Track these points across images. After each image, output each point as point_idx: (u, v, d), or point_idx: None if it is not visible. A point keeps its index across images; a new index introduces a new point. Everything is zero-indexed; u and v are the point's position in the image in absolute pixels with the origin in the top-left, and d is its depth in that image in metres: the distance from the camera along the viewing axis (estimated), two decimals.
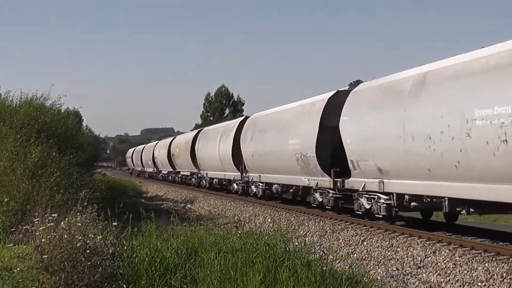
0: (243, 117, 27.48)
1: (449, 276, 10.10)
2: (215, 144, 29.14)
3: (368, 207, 14.60)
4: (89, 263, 7.30)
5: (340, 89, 17.11)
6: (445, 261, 10.72)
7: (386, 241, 13.00)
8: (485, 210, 11.92)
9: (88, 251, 7.40)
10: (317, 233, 15.67)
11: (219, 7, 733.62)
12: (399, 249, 12.21)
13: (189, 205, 27.86)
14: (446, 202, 11.58)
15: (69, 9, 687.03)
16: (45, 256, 7.23)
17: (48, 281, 7.21)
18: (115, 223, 8.79)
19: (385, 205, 13.75)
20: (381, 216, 14.06)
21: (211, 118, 74.88)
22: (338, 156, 15.92)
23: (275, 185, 21.63)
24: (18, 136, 16.61)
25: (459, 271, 10.09)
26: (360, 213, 15.29)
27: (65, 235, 7.53)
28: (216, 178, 31.32)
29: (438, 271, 10.43)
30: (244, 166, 24.94)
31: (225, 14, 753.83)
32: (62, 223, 7.91)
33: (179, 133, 74.66)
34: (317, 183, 17.55)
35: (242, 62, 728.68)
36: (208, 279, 8.03)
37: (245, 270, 8.16)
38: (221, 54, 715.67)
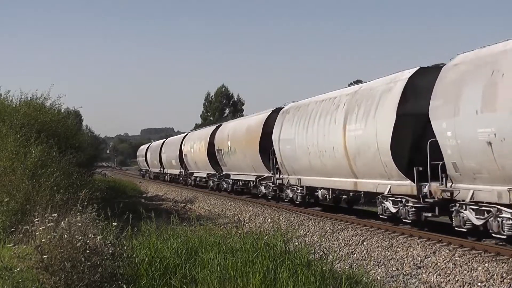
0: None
1: (449, 276, 10.10)
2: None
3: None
4: (89, 263, 7.30)
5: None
6: (445, 261, 10.72)
7: (386, 241, 13.01)
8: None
9: (88, 251, 7.40)
10: (317, 233, 15.68)
11: (219, 7, 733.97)
12: (399, 249, 12.21)
13: (189, 205, 27.86)
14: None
15: (70, 7, 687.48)
16: (45, 256, 7.22)
17: (48, 281, 7.21)
18: (115, 223, 8.79)
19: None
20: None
21: (211, 118, 74.95)
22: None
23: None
24: (18, 136, 16.60)
25: (459, 271, 10.09)
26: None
27: (65, 235, 7.52)
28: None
29: (438, 271, 10.43)
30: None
31: (225, 14, 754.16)
32: (62, 223, 7.90)
33: (179, 133, 74.32)
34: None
35: (242, 62, 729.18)
36: (208, 279, 8.04)
37: (245, 270, 8.16)
38: (221, 54, 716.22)
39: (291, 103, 21.22)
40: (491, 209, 10.46)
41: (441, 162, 11.62)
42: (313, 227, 16.53)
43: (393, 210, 13.68)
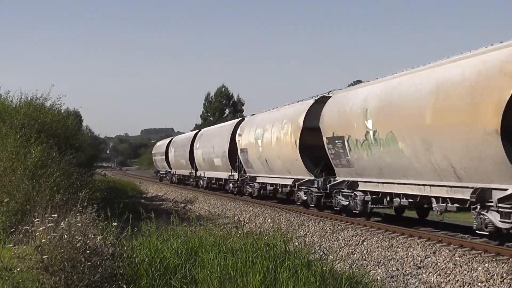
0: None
1: (449, 276, 10.10)
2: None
3: None
4: (89, 263, 7.29)
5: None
6: (445, 262, 10.72)
7: (386, 241, 13.01)
8: None
9: (88, 252, 7.39)
10: (317, 233, 15.68)
11: (219, 7, 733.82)
12: (399, 249, 12.21)
13: (189, 205, 27.85)
14: None
15: (70, 7, 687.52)
16: (45, 257, 7.22)
17: (48, 281, 7.20)
18: (115, 223, 8.78)
19: None
20: None
21: (211, 118, 74.89)
22: None
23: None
24: (18, 136, 16.60)
25: (459, 272, 10.09)
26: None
27: (65, 235, 7.51)
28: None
29: (438, 272, 10.43)
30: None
31: (225, 14, 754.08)
32: (62, 223, 7.89)
33: (179, 133, 74.15)
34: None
35: (242, 62, 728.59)
36: (208, 279, 8.03)
37: (245, 270, 8.15)
38: (221, 54, 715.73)
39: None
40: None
41: None
42: (313, 227, 16.53)
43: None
